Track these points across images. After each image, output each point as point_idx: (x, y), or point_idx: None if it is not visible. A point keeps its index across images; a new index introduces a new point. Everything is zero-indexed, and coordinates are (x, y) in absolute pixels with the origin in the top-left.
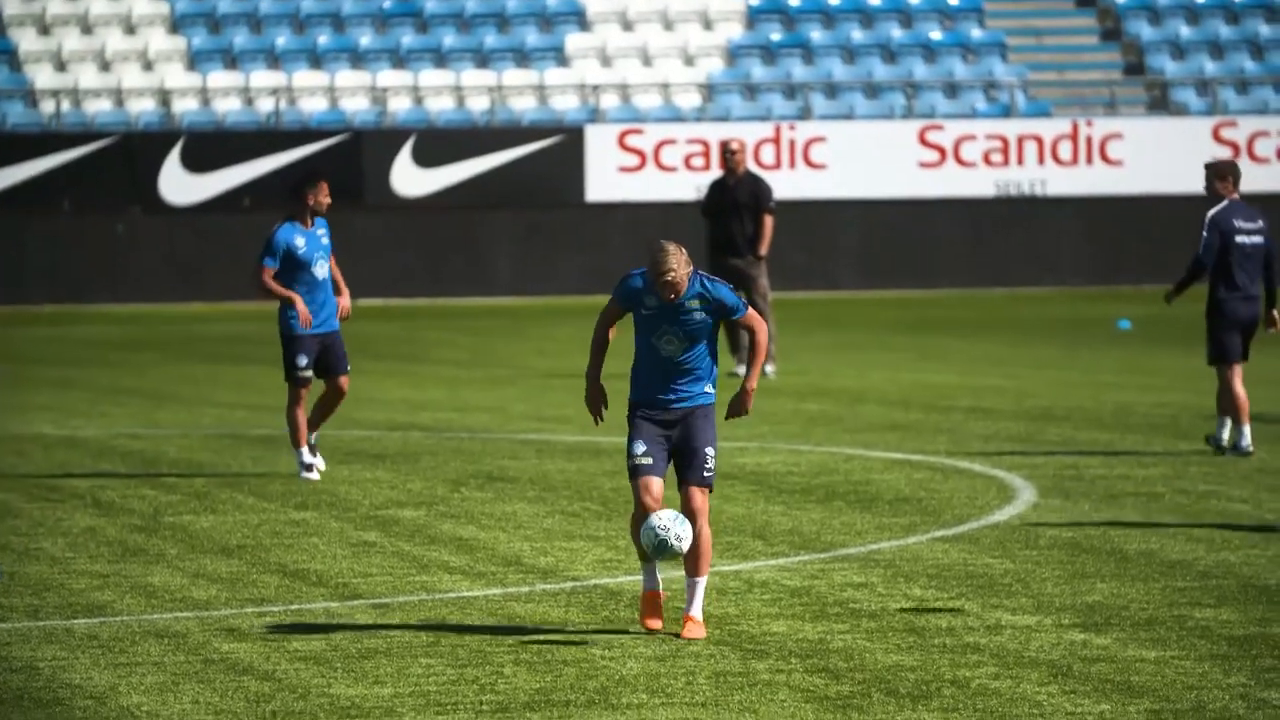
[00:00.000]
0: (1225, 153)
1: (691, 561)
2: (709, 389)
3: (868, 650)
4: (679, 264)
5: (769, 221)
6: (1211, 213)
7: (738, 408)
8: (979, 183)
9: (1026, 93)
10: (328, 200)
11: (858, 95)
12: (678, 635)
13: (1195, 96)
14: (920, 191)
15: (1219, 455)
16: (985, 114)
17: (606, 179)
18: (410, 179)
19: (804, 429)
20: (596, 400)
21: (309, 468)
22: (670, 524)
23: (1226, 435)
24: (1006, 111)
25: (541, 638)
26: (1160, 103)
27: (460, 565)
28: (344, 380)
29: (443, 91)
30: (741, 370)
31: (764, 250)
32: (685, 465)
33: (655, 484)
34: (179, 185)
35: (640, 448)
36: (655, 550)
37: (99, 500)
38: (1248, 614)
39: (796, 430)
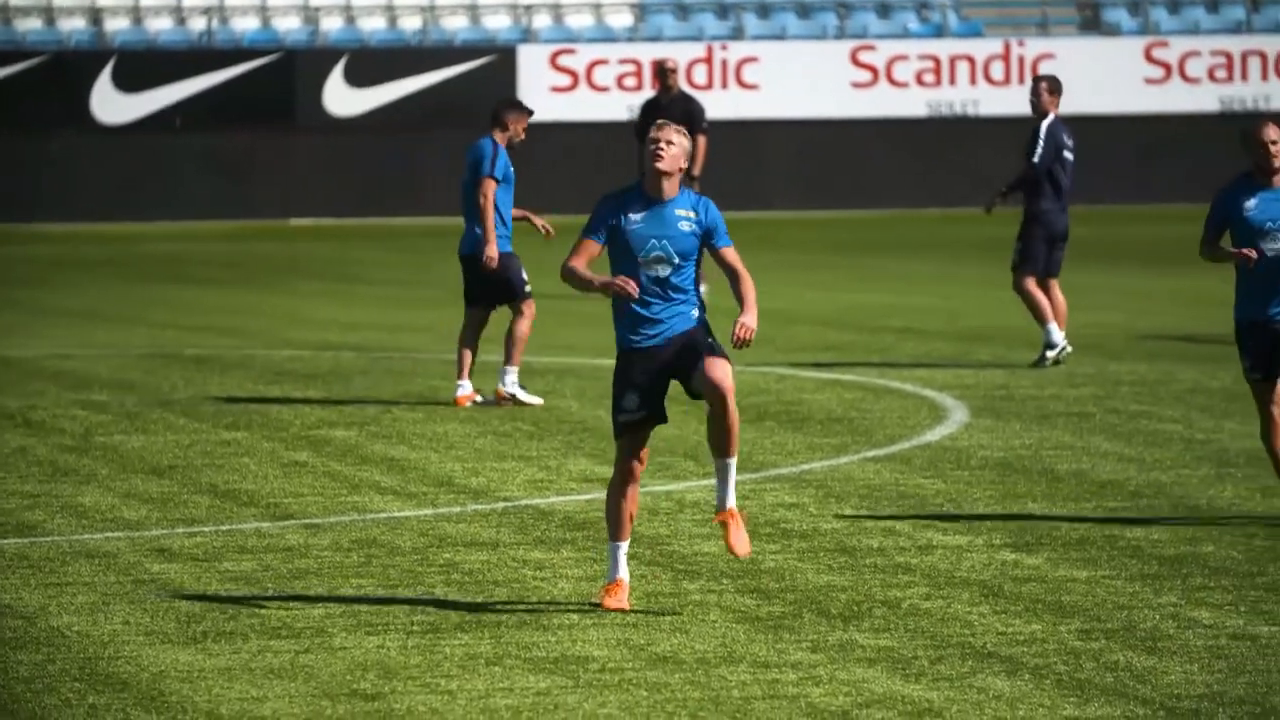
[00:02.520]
0: (1157, 73)
1: (720, 438)
2: (696, 313)
3: (799, 570)
4: (677, 136)
5: (702, 141)
6: (1046, 125)
7: (743, 334)
8: (911, 103)
9: (959, 13)
10: (523, 136)
11: (790, 15)
12: (729, 550)
13: (1127, 16)
14: (853, 112)
15: (1057, 365)
16: (917, 34)
17: (539, 99)
18: (342, 99)
19: (736, 348)
20: (621, 281)
21: (504, 395)
22: None
23: (1057, 339)
24: (939, 31)
25: (473, 558)
26: (1092, 23)
27: (392, 485)
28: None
29: (375, 10)
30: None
31: (697, 170)
32: (694, 355)
33: (643, 445)
34: (111, 105)
35: (632, 400)
36: None
37: (29, 420)
38: (1178, 534)
39: (728, 350)
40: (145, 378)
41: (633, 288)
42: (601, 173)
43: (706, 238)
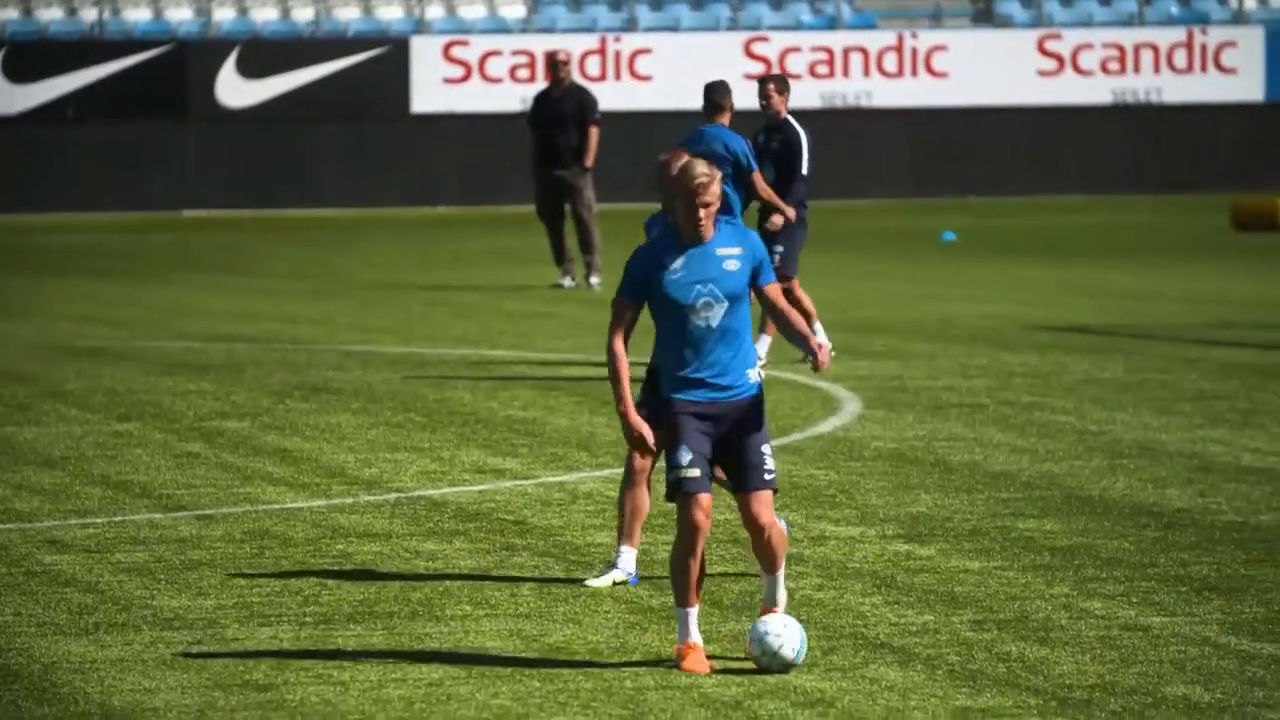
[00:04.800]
0: (1050, 65)
1: (766, 559)
2: (754, 374)
3: None
4: (713, 176)
5: (594, 133)
6: (803, 131)
7: (823, 358)
8: (804, 95)
9: (852, 4)
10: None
11: (683, 6)
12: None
13: (1020, 8)
14: (745, 103)
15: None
16: (811, 26)
17: (432, 91)
18: (235, 90)
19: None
20: (641, 430)
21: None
22: (783, 634)
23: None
24: (832, 23)
25: (366, 549)
26: (985, 15)
27: (284, 476)
28: None
29: (267, 1)
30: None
31: (589, 161)
32: (742, 468)
33: (706, 500)
34: (2, 95)
35: (686, 456)
36: (766, 657)
37: None
38: (1071, 525)
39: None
40: (36, 369)
41: (655, 449)
42: (493, 164)
43: (753, 275)
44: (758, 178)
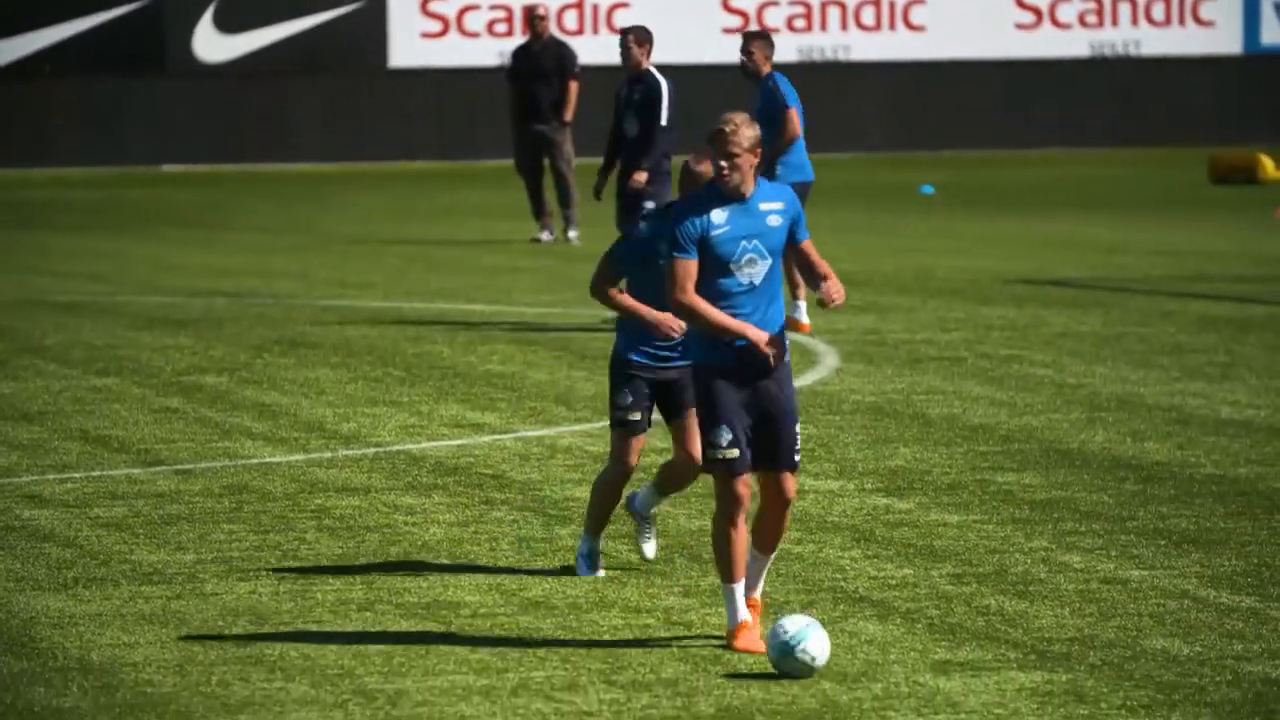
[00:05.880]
0: (1028, 18)
1: (773, 537)
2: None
3: (670, 516)
4: (741, 132)
5: (574, 87)
6: (664, 82)
7: (836, 294)
8: (783, 49)
9: None
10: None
11: None
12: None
13: None
14: (723, 57)
15: None
16: None
17: (410, 45)
18: (213, 45)
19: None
20: (761, 333)
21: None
22: (809, 640)
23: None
24: None
25: (344, 504)
26: None
27: (263, 431)
28: None
29: None
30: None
31: (568, 116)
32: (774, 445)
33: (747, 480)
34: None
35: (726, 435)
36: (780, 656)
37: None
38: (1050, 478)
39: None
40: (14, 324)
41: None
42: (471, 119)
43: (792, 231)
44: None
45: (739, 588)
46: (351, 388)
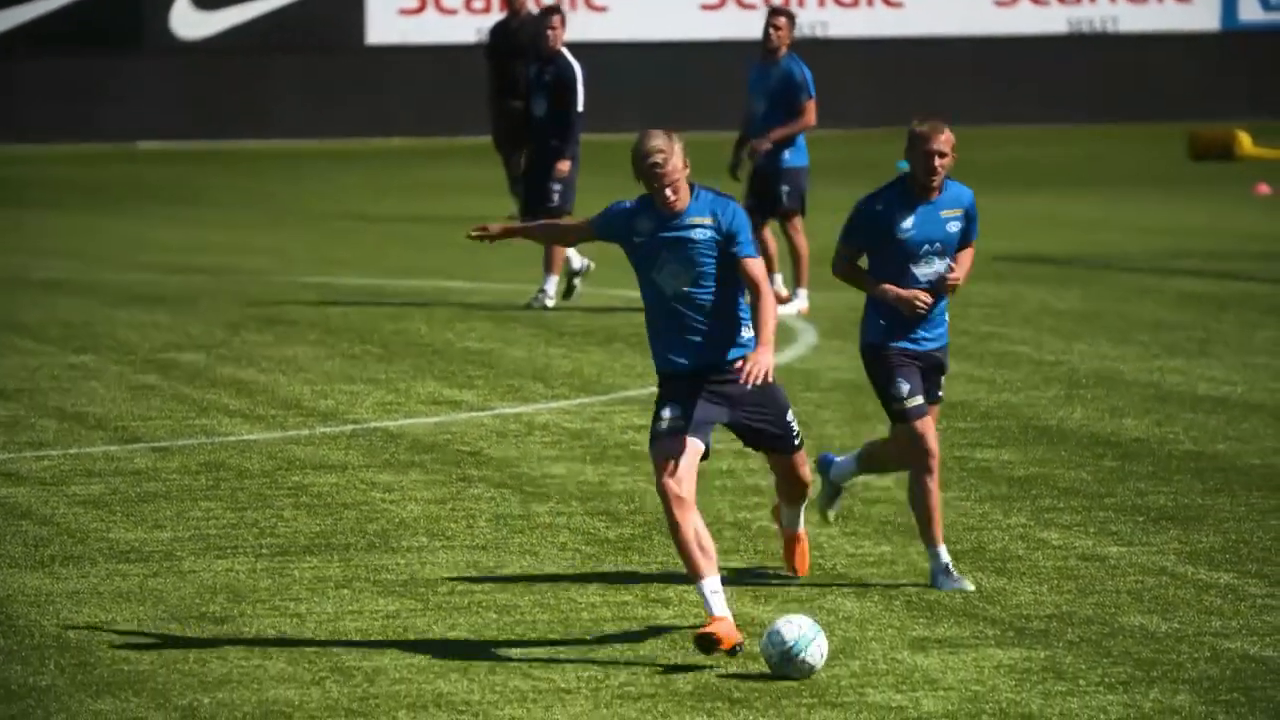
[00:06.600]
0: None
1: (793, 496)
2: (746, 332)
3: (648, 493)
4: (670, 149)
5: None
6: (577, 65)
7: (751, 370)
8: (759, 25)
9: None
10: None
11: None
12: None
13: None
14: (702, 33)
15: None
16: None
17: (387, 22)
18: (189, 21)
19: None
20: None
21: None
22: (809, 649)
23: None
24: None
25: (322, 481)
26: None
27: (240, 408)
28: None
29: None
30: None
31: None
32: (769, 442)
33: (684, 452)
34: None
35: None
36: (780, 660)
37: None
38: (1028, 455)
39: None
40: None
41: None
42: (448, 96)
43: (726, 245)
44: None
45: (705, 583)
46: (329, 365)
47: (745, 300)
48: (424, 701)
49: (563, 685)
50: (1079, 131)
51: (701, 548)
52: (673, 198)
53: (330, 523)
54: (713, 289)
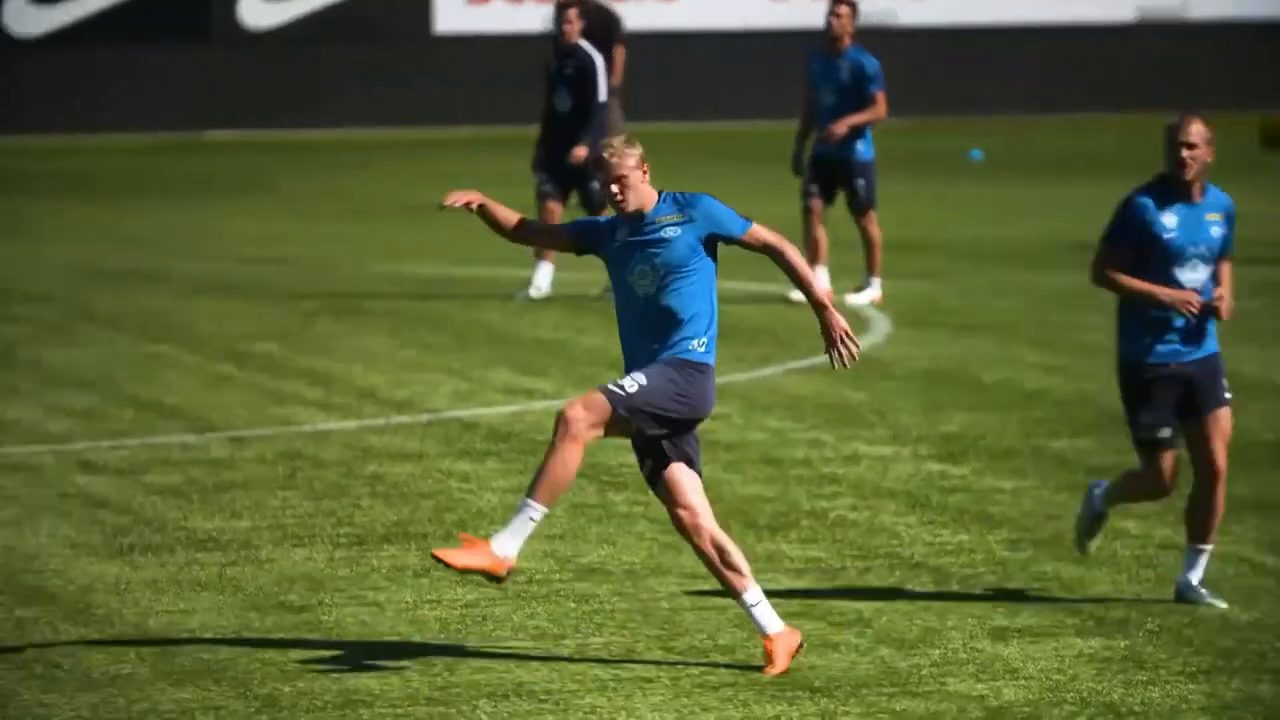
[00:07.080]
0: None
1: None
2: (697, 344)
3: (725, 481)
4: (621, 149)
5: (620, 52)
6: (597, 56)
7: (837, 337)
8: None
9: None
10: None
11: None
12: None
13: None
14: (773, 22)
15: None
16: None
17: (454, 11)
18: (258, 11)
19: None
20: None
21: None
22: None
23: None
24: None
25: (398, 470)
26: None
27: (316, 398)
28: None
29: None
30: (796, 295)
31: (616, 81)
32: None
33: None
34: (24, 17)
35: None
36: None
37: None
38: (1105, 443)
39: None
40: (66, 291)
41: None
42: (517, 85)
43: (706, 231)
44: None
45: (746, 595)
46: (404, 354)
47: (705, 307)
48: (505, 690)
49: (643, 675)
50: (1149, 120)
51: (731, 565)
52: (619, 195)
53: (407, 512)
54: (684, 296)
